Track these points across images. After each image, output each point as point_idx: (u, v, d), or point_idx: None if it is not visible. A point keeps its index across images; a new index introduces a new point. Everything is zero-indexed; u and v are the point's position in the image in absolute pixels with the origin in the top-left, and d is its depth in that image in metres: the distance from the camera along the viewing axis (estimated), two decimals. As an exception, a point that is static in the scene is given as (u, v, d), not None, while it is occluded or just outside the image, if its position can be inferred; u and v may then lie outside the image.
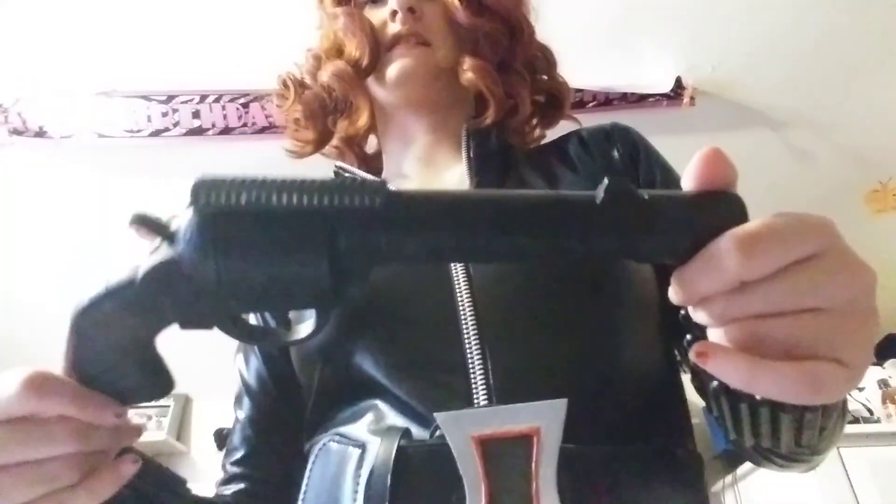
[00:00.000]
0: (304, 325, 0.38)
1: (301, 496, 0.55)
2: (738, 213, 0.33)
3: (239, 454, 0.66)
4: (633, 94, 2.19)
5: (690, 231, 0.32)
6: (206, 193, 0.33)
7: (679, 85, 2.15)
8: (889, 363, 2.46)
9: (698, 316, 0.33)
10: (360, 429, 0.54)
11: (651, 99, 2.18)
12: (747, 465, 2.22)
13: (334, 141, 0.83)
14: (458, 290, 0.55)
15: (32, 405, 0.38)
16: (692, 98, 2.17)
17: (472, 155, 0.70)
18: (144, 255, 0.37)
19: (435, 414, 0.47)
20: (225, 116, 2.17)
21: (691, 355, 0.32)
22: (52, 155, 2.21)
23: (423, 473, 0.47)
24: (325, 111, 0.79)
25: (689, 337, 0.41)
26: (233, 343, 0.43)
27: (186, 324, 0.37)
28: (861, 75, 2.18)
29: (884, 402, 2.33)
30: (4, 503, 0.38)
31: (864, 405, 2.30)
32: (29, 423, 0.39)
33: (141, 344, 0.40)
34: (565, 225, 0.33)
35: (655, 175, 0.66)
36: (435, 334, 0.54)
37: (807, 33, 2.07)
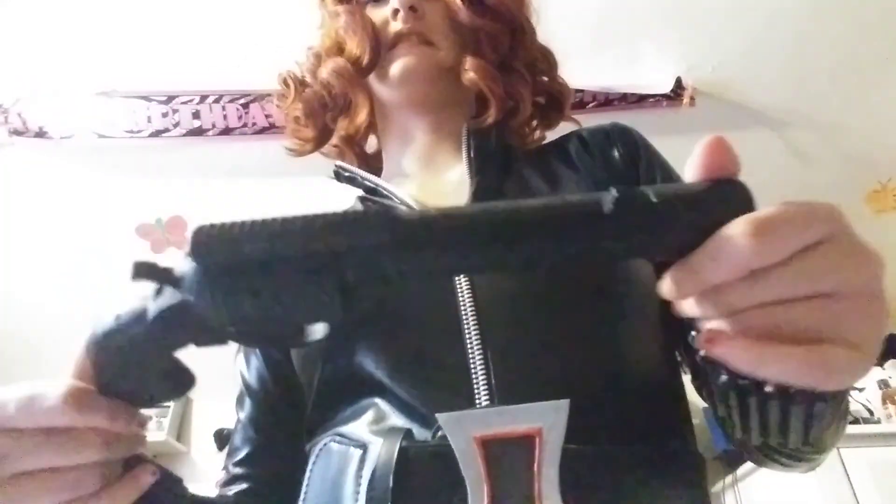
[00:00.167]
0: (317, 328, 0.39)
1: (302, 497, 0.54)
2: (746, 201, 0.32)
3: (241, 454, 0.66)
4: (633, 94, 2.19)
5: (701, 226, 0.32)
6: (207, 244, 0.33)
7: (679, 85, 2.15)
8: (889, 363, 2.46)
9: (703, 308, 0.32)
10: (360, 428, 0.54)
11: (651, 99, 2.19)
12: (747, 466, 2.22)
13: (334, 140, 0.83)
14: (459, 291, 0.55)
15: (71, 418, 0.40)
16: (692, 98, 2.17)
17: (472, 155, 0.70)
18: (149, 294, 0.38)
19: (437, 415, 0.47)
20: (225, 117, 2.17)
21: (699, 343, 0.31)
22: (52, 155, 2.22)
23: (425, 474, 0.47)
24: (325, 109, 0.79)
25: (693, 333, 0.41)
26: (233, 344, 0.43)
27: (199, 344, 0.38)
28: (861, 76, 2.18)
29: (884, 402, 2.33)
30: None
31: (864, 405, 2.30)
32: (62, 432, 0.40)
33: (157, 359, 0.41)
34: (574, 237, 0.33)
35: (656, 175, 0.66)
36: (436, 334, 0.54)
37: (807, 34, 2.07)
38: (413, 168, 0.75)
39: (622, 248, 0.33)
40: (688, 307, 0.33)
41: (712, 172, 0.32)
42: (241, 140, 2.20)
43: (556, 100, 0.81)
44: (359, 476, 0.49)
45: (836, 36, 2.07)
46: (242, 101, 2.15)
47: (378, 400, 0.54)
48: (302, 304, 0.34)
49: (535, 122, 0.81)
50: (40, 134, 2.14)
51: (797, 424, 0.38)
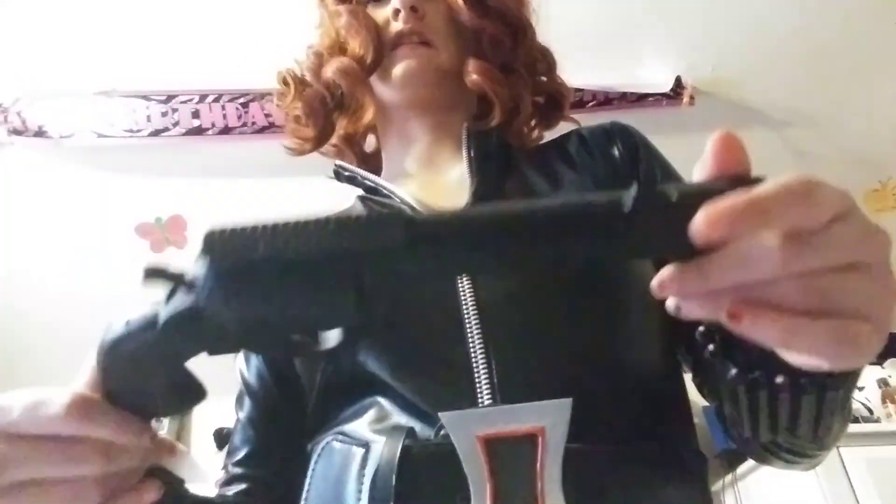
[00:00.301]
0: (329, 336, 0.38)
1: (304, 495, 0.55)
2: None
3: (240, 454, 0.66)
4: (632, 93, 2.19)
5: None
6: (221, 245, 0.33)
7: (679, 85, 2.15)
8: (889, 363, 2.46)
9: (710, 305, 0.31)
10: (362, 427, 0.54)
11: (651, 99, 2.19)
12: (747, 465, 2.21)
13: (333, 139, 0.83)
14: (461, 290, 0.55)
15: (75, 427, 0.39)
16: (692, 98, 2.17)
17: (472, 154, 0.70)
18: (160, 299, 0.38)
19: (440, 414, 0.47)
20: (224, 116, 2.17)
21: (722, 317, 0.30)
22: (52, 155, 2.21)
23: (427, 473, 0.47)
24: (325, 109, 0.79)
25: (701, 329, 0.41)
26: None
27: (211, 352, 0.37)
28: (861, 75, 2.18)
29: (883, 401, 2.33)
30: None
31: (863, 405, 2.30)
32: (64, 441, 0.39)
33: (168, 368, 0.40)
34: (593, 237, 0.32)
35: (656, 174, 0.67)
36: (439, 334, 0.54)
37: (807, 33, 2.07)
38: (413, 168, 0.75)
39: (641, 248, 0.33)
40: (690, 307, 0.32)
41: (725, 169, 0.32)
42: (240, 139, 2.20)
43: (556, 99, 0.81)
44: (361, 475, 0.49)
45: (836, 36, 2.07)
46: (242, 100, 2.15)
47: (381, 398, 0.54)
48: (316, 307, 0.33)
49: (534, 122, 0.81)
50: (40, 133, 2.14)
51: (808, 417, 0.38)
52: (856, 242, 0.30)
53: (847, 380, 0.37)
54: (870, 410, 2.30)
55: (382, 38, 0.72)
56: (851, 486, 1.90)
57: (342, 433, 0.55)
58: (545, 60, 0.81)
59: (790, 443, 0.48)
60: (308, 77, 0.80)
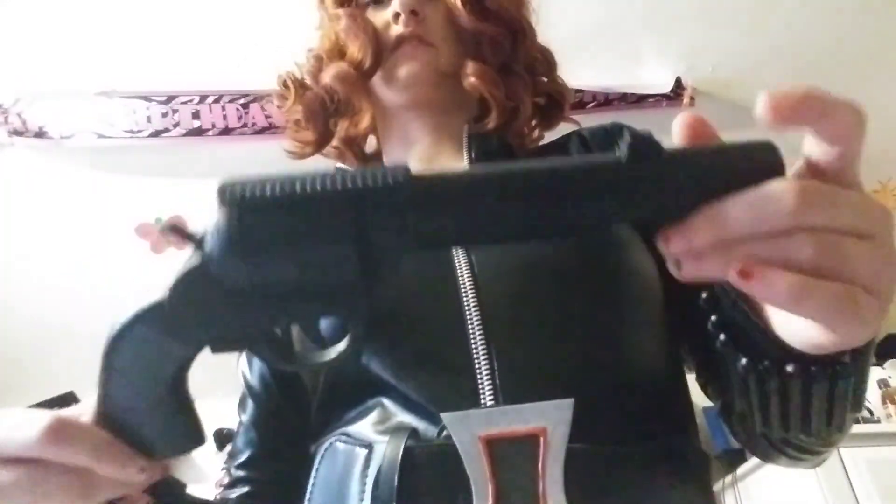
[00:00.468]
0: (338, 344, 0.38)
1: (307, 496, 0.55)
2: (775, 159, 0.32)
3: (243, 457, 0.66)
4: (632, 94, 2.19)
5: (728, 179, 0.30)
6: (231, 190, 0.33)
7: (679, 85, 2.15)
8: (889, 363, 2.46)
9: (718, 260, 0.30)
10: (366, 428, 0.54)
11: (651, 99, 2.19)
12: (747, 466, 2.22)
13: (334, 142, 0.83)
14: (463, 290, 0.56)
15: (47, 451, 0.37)
16: (692, 98, 2.17)
17: (473, 156, 0.70)
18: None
19: (441, 414, 0.47)
20: (225, 117, 2.17)
21: (732, 277, 0.29)
22: (52, 155, 2.21)
23: (429, 473, 0.47)
24: (325, 112, 0.79)
25: (714, 318, 0.41)
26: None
27: (218, 343, 0.37)
28: (861, 76, 2.18)
29: (884, 402, 2.33)
30: None
31: (864, 405, 2.30)
32: (39, 468, 0.37)
33: (172, 379, 0.39)
34: (596, 193, 0.32)
35: None
36: (441, 334, 0.55)
37: (807, 34, 2.07)
38: (414, 169, 0.75)
39: (647, 205, 0.31)
40: (694, 266, 0.31)
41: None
42: (241, 140, 2.20)
43: (556, 100, 0.81)
44: (364, 476, 0.49)
45: (836, 36, 2.07)
46: (242, 101, 2.15)
47: (384, 399, 0.54)
48: (320, 248, 0.33)
49: (535, 122, 0.81)
50: (40, 134, 2.14)
51: (819, 408, 0.38)
52: (866, 209, 0.30)
53: (855, 368, 0.37)
54: (870, 411, 2.30)
55: (381, 42, 0.72)
56: (851, 487, 1.91)
57: (346, 434, 0.55)
58: (545, 61, 0.81)
59: (799, 439, 0.48)
60: (308, 80, 0.80)
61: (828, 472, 1.91)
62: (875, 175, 2.57)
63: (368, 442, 0.52)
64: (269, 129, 2.17)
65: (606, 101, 2.18)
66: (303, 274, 0.33)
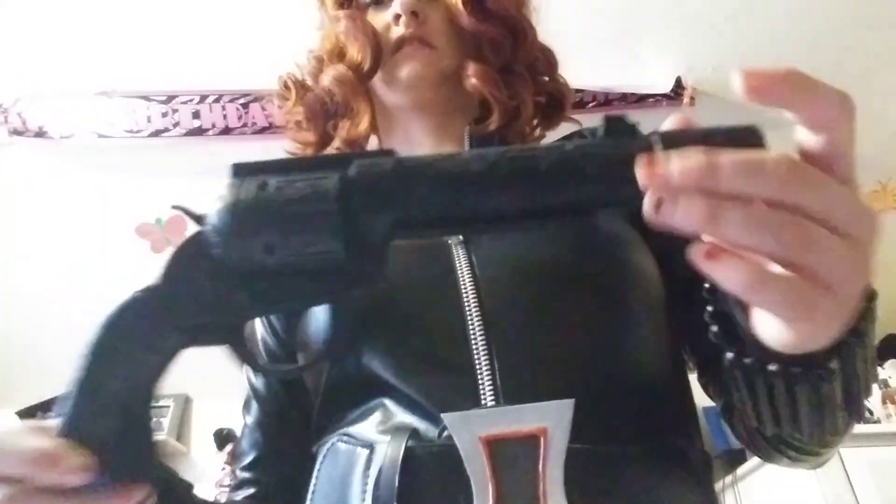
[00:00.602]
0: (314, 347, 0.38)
1: (309, 497, 0.55)
2: (759, 142, 0.32)
3: (248, 459, 0.67)
4: (633, 94, 2.19)
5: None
6: (237, 168, 0.35)
7: (679, 85, 2.15)
8: (889, 363, 2.46)
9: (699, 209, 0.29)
10: (368, 428, 0.54)
11: (651, 99, 2.19)
12: (747, 466, 2.22)
13: (336, 142, 0.83)
14: (464, 290, 0.56)
15: None
16: (692, 98, 2.17)
17: None
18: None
19: (442, 415, 0.47)
20: (225, 117, 2.17)
21: (696, 256, 0.30)
22: (52, 155, 2.21)
23: (430, 474, 0.47)
24: (326, 114, 0.79)
25: (710, 308, 0.41)
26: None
27: (200, 332, 0.37)
28: (861, 76, 2.18)
29: (884, 402, 2.33)
30: None
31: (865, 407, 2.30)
32: None
33: (146, 388, 0.38)
34: (579, 172, 0.32)
35: None
36: (442, 334, 0.55)
37: (807, 34, 2.07)
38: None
39: (622, 184, 0.31)
40: (670, 209, 0.29)
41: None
42: (241, 140, 2.20)
43: (557, 99, 0.81)
44: (365, 476, 0.49)
45: (836, 36, 2.07)
46: (242, 100, 2.15)
47: (386, 400, 0.54)
48: (308, 246, 0.33)
49: (536, 122, 0.80)
50: (40, 134, 2.14)
51: (807, 408, 0.38)
52: (854, 208, 0.30)
53: (845, 372, 0.37)
54: (870, 411, 2.30)
55: (381, 44, 0.72)
56: (851, 487, 1.90)
57: (347, 434, 0.55)
58: (546, 61, 0.81)
59: (795, 439, 0.48)
60: (309, 82, 0.80)
61: (828, 472, 1.91)
62: (875, 175, 2.56)
63: (370, 442, 0.52)
64: (269, 129, 2.17)
65: (606, 100, 2.19)
66: (290, 257, 0.34)
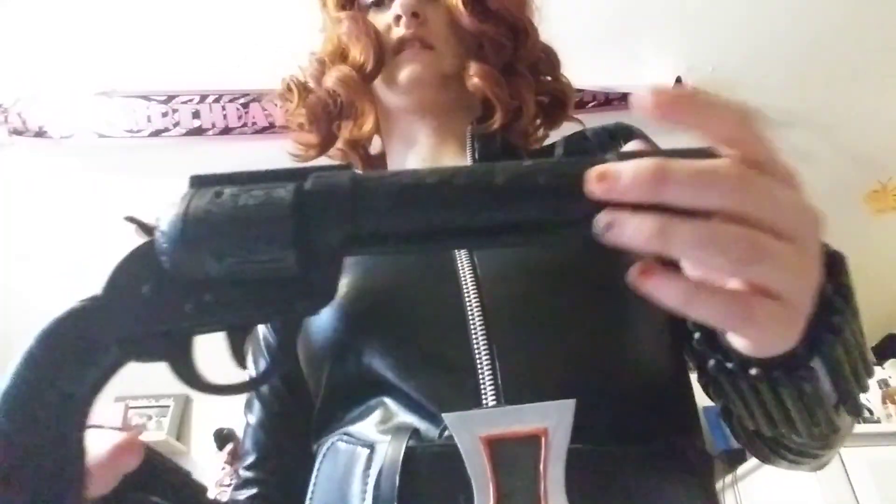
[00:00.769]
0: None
1: (309, 496, 0.55)
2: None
3: (251, 458, 0.67)
4: (633, 94, 2.19)
5: None
6: (194, 179, 0.35)
7: (679, 85, 2.15)
8: (889, 363, 2.47)
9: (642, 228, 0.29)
10: (368, 428, 0.54)
11: (651, 99, 2.19)
12: (747, 465, 2.22)
13: (339, 143, 0.83)
14: (465, 290, 0.56)
15: None
16: (692, 98, 2.17)
17: (476, 157, 0.70)
18: None
19: (443, 415, 0.47)
20: (225, 116, 2.17)
21: (632, 275, 0.31)
22: (52, 155, 2.21)
23: (431, 474, 0.47)
24: (329, 116, 0.79)
25: (696, 336, 0.41)
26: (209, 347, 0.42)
27: (141, 347, 0.36)
28: (861, 75, 2.18)
29: (884, 402, 2.33)
30: None
31: (864, 406, 2.30)
32: None
33: (81, 405, 0.36)
34: (534, 192, 0.32)
35: None
36: (443, 334, 0.55)
37: (807, 34, 2.07)
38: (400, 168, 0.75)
39: (577, 203, 0.31)
40: (621, 228, 0.30)
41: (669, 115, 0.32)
42: (241, 140, 2.20)
43: (560, 99, 0.81)
44: (366, 476, 0.49)
45: (837, 36, 2.07)
46: (242, 100, 2.15)
47: (386, 399, 0.54)
48: (260, 258, 0.33)
49: (539, 122, 0.80)
50: (40, 134, 2.14)
51: (796, 408, 0.38)
52: (797, 210, 0.31)
53: (829, 370, 0.38)
54: (870, 411, 2.30)
55: (383, 45, 0.72)
56: (851, 487, 1.91)
57: (347, 434, 0.55)
58: (548, 60, 0.80)
59: (792, 440, 0.48)
60: (311, 84, 0.80)
61: (828, 472, 1.91)
62: (875, 175, 2.56)
63: (370, 442, 0.52)
64: (269, 129, 2.17)
65: (607, 100, 2.19)
66: (240, 264, 0.33)
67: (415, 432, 0.50)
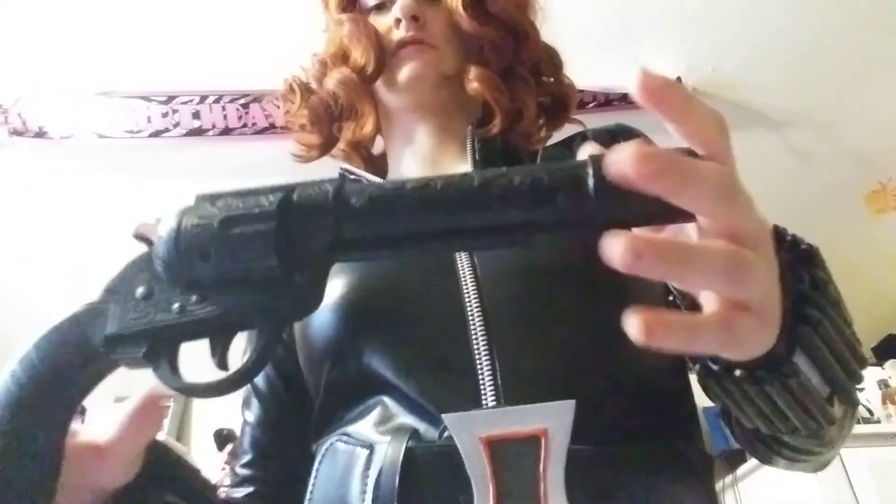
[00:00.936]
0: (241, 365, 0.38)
1: (308, 496, 0.55)
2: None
3: (248, 457, 0.67)
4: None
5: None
6: (199, 197, 0.37)
7: (679, 85, 2.16)
8: (889, 363, 2.47)
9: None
10: (367, 428, 0.54)
11: (651, 99, 2.19)
12: (747, 466, 2.22)
13: (341, 144, 0.83)
14: (465, 290, 0.56)
15: None
16: (692, 98, 2.17)
17: (477, 158, 0.70)
18: None
19: (443, 415, 0.47)
20: (225, 117, 2.17)
21: (632, 332, 0.31)
22: (52, 155, 2.21)
23: (431, 474, 0.47)
24: (330, 117, 0.79)
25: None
26: (236, 343, 0.43)
27: (121, 351, 0.37)
28: (861, 75, 2.18)
29: (884, 402, 2.33)
30: None
31: (864, 405, 2.30)
32: None
33: (63, 417, 0.37)
34: (510, 191, 0.33)
35: None
36: (443, 334, 0.55)
37: (807, 34, 2.07)
38: (417, 171, 0.75)
39: (552, 213, 0.33)
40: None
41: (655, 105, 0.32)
42: (241, 140, 2.20)
43: (561, 100, 0.81)
44: (365, 476, 0.49)
45: (837, 36, 2.08)
46: (242, 101, 2.15)
47: (385, 398, 0.54)
48: (246, 266, 0.34)
49: (540, 123, 0.80)
50: (40, 134, 2.14)
51: (787, 405, 0.38)
52: (756, 219, 0.31)
53: (812, 361, 0.38)
54: (870, 411, 2.30)
55: (384, 47, 0.72)
56: (851, 487, 1.91)
57: (346, 434, 0.55)
58: (550, 61, 0.80)
59: (787, 436, 0.48)
60: (313, 85, 0.80)
61: (828, 472, 1.89)
62: (875, 175, 2.57)
63: (369, 442, 0.52)
64: (269, 130, 2.17)
65: (607, 101, 2.19)
66: (225, 264, 0.35)
67: (414, 433, 0.50)
